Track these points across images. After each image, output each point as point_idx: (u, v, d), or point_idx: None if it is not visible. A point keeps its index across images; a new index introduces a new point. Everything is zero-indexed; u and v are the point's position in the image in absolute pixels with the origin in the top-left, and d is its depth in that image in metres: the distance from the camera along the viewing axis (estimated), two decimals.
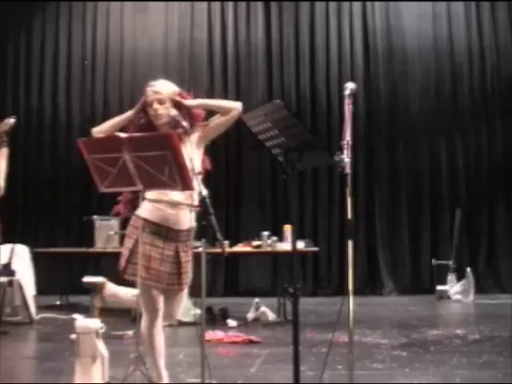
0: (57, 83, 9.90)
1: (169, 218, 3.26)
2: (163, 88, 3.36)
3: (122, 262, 3.31)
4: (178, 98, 3.36)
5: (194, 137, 3.37)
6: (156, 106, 3.32)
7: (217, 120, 3.39)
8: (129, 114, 3.43)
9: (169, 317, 3.45)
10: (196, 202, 3.18)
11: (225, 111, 3.36)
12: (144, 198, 3.32)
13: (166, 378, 3.40)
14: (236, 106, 3.36)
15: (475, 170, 9.28)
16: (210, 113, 3.45)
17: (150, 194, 3.28)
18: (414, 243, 9.21)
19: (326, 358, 3.46)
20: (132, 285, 3.49)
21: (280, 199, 9.22)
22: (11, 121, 3.40)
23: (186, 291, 3.43)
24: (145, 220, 3.27)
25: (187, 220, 3.29)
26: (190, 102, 3.39)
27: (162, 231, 3.27)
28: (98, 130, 3.39)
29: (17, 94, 9.98)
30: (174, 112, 3.33)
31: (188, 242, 3.36)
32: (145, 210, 3.29)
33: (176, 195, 3.23)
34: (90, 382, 3.56)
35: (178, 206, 3.26)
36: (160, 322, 3.38)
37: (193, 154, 3.26)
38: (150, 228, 3.26)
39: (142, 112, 3.40)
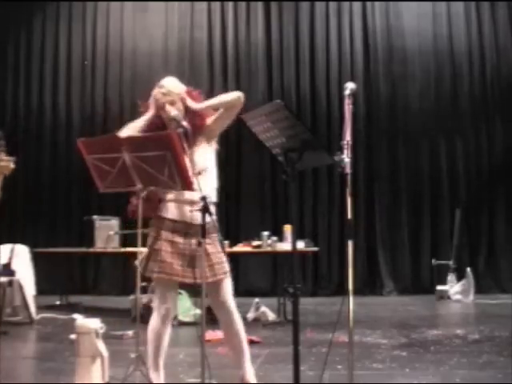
0: (57, 83, 9.91)
1: (186, 214, 3.34)
2: (172, 89, 3.40)
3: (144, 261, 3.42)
4: (187, 99, 3.39)
5: (202, 135, 3.42)
6: (168, 108, 3.37)
7: (221, 113, 3.43)
8: (148, 116, 3.43)
9: (221, 306, 3.44)
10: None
11: (230, 105, 3.40)
12: (150, 199, 3.38)
13: (163, 377, 3.41)
14: (238, 95, 3.39)
15: (475, 169, 9.28)
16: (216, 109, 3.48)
17: (169, 196, 3.37)
18: (414, 243, 9.20)
19: (326, 358, 3.46)
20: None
21: (280, 199, 9.21)
22: (11, 165, 3.42)
23: (229, 280, 3.44)
24: (165, 218, 3.36)
25: (199, 216, 3.31)
26: (197, 105, 3.42)
27: (181, 227, 3.34)
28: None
29: (17, 93, 9.99)
30: (174, 112, 3.34)
31: (211, 235, 3.35)
32: (165, 209, 3.39)
33: (192, 194, 3.27)
34: (89, 382, 3.56)
35: (194, 204, 3.29)
36: (170, 322, 3.41)
37: (201, 152, 3.36)
38: (168, 225, 3.35)
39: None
